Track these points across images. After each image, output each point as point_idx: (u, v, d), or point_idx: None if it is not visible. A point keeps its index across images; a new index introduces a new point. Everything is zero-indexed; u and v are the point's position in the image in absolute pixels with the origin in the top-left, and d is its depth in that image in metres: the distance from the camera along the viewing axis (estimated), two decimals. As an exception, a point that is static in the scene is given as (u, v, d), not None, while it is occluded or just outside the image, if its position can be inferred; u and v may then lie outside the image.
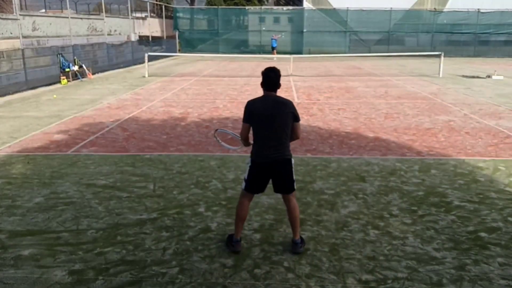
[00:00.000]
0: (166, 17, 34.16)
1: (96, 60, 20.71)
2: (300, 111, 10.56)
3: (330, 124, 9.32)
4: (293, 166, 3.94)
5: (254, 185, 3.96)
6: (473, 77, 18.43)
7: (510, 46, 32.49)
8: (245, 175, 3.98)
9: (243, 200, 4.01)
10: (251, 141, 3.97)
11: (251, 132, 3.93)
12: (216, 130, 4.72)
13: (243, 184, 3.99)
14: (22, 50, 14.92)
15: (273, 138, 3.82)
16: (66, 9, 20.92)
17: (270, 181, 3.98)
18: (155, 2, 33.60)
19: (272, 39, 28.85)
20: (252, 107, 3.89)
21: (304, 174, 6.08)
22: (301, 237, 4.04)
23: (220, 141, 4.60)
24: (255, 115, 3.84)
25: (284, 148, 3.87)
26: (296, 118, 3.88)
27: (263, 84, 3.91)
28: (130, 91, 14.23)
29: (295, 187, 4.00)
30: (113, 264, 3.77)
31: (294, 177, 3.97)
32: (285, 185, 3.95)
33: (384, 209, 4.91)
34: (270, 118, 3.78)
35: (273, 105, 3.81)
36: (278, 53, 28.32)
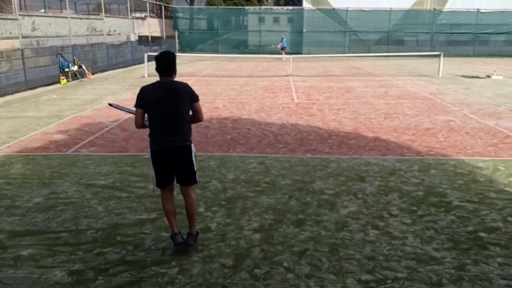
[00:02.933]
0: (165, 17, 34.17)
1: (96, 60, 20.70)
2: (299, 111, 10.71)
3: (330, 124, 9.32)
4: (193, 154, 3.82)
5: (161, 177, 3.85)
6: (473, 77, 18.44)
7: (509, 46, 32.52)
8: (152, 169, 3.90)
9: (163, 196, 3.97)
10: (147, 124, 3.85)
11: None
12: (110, 104, 4.70)
13: (154, 181, 3.93)
14: (22, 50, 14.91)
15: (170, 124, 3.69)
16: (66, 9, 20.94)
17: None
18: (155, 2, 33.59)
19: (282, 39, 28.60)
20: (144, 94, 3.75)
21: (304, 174, 6.08)
22: (196, 231, 4.03)
23: (119, 106, 4.64)
24: (149, 102, 3.70)
25: (182, 134, 3.75)
26: (193, 99, 3.77)
27: (157, 69, 3.76)
28: (129, 91, 14.23)
29: (197, 179, 3.90)
30: (113, 264, 3.77)
31: (196, 168, 3.84)
32: (184, 175, 3.83)
33: (384, 209, 4.91)
34: (165, 104, 3.66)
35: (166, 90, 3.68)
36: (277, 53, 28.32)
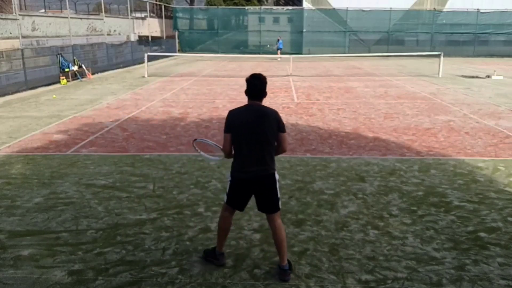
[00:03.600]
0: (165, 17, 34.17)
1: (96, 60, 20.70)
2: (299, 111, 10.70)
3: (330, 124, 9.32)
4: (277, 182, 3.58)
5: (235, 200, 3.66)
6: (473, 77, 18.44)
7: (509, 46, 32.54)
8: (227, 189, 3.67)
9: (224, 213, 3.73)
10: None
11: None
12: (195, 140, 4.21)
13: (225, 197, 3.71)
14: (22, 50, 14.91)
15: (256, 151, 3.46)
16: (66, 9, 20.94)
17: None
18: (155, 2, 33.59)
19: (278, 40, 28.79)
20: (233, 117, 3.53)
21: (304, 174, 6.08)
22: (289, 262, 3.64)
23: (200, 151, 4.09)
24: (236, 126, 3.48)
25: (268, 163, 3.51)
26: (280, 128, 3.51)
27: (247, 92, 3.60)
28: (129, 91, 14.23)
29: (280, 206, 3.63)
30: (113, 264, 3.77)
31: (279, 195, 3.61)
32: (268, 203, 3.59)
33: (384, 209, 4.91)
34: (252, 130, 3.44)
35: (256, 115, 3.46)
36: (274, 53, 28.39)
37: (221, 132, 9.08)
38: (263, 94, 3.61)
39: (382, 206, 5.00)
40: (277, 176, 3.59)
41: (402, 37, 33.43)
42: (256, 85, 3.57)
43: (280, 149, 3.60)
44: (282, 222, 3.70)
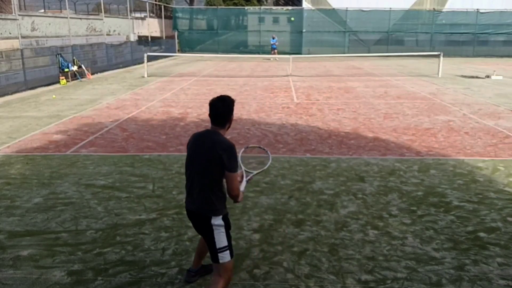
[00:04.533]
0: (165, 17, 34.15)
1: (95, 60, 20.69)
2: (299, 111, 10.71)
3: (329, 124, 9.32)
4: (215, 229, 2.97)
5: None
6: (472, 77, 18.44)
7: (509, 46, 32.53)
8: None
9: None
10: None
11: None
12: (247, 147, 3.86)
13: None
14: (21, 50, 14.91)
15: (194, 183, 3.04)
16: (65, 9, 20.92)
17: None
18: (154, 2, 33.58)
19: (273, 39, 28.75)
20: (190, 139, 3.16)
21: (304, 174, 6.08)
22: None
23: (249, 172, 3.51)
24: (188, 149, 3.13)
25: (204, 201, 2.98)
26: (225, 165, 2.90)
27: (209, 115, 3.11)
28: (129, 91, 14.23)
29: (220, 261, 2.97)
30: (112, 265, 3.77)
31: (222, 245, 2.97)
32: (208, 248, 3.07)
33: (384, 209, 4.91)
34: (194, 157, 3.04)
35: (203, 142, 3.02)
36: (278, 53, 28.34)
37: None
38: (225, 119, 3.06)
39: (381, 206, 5.00)
40: (217, 221, 2.97)
41: (402, 37, 33.42)
42: (218, 107, 3.04)
43: (229, 190, 3.00)
44: (220, 280, 3.00)
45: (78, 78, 17.33)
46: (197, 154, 3.02)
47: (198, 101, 11.96)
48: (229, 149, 2.94)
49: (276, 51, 27.94)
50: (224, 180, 3.00)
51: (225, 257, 2.98)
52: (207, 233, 3.01)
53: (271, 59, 27.04)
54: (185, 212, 4.51)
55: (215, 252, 2.98)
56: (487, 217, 4.71)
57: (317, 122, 9.52)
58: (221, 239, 2.98)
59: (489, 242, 4.17)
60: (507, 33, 32.38)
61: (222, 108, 3.05)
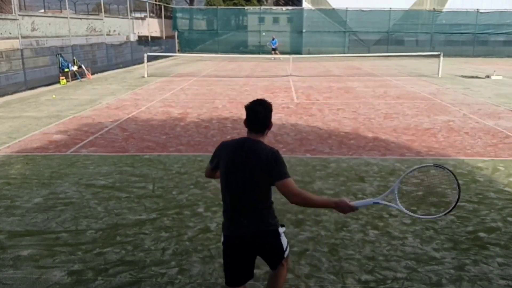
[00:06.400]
0: (165, 17, 34.16)
1: (95, 60, 20.70)
2: (299, 111, 10.71)
3: (329, 124, 9.32)
4: (281, 236, 2.75)
5: (234, 273, 2.73)
6: (472, 77, 18.44)
7: (509, 46, 32.56)
8: (223, 259, 2.81)
9: None
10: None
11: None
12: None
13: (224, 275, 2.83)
14: (21, 50, 14.91)
15: (241, 204, 2.66)
16: (65, 9, 20.93)
17: None
18: (154, 2, 33.58)
19: (272, 41, 28.79)
20: (221, 149, 2.80)
21: (304, 174, 6.08)
22: None
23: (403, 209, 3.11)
24: (222, 162, 2.74)
25: (260, 218, 2.67)
26: (273, 175, 2.60)
27: (245, 122, 2.82)
28: (129, 91, 14.23)
29: (285, 255, 2.82)
30: (112, 265, 3.77)
31: (285, 245, 2.78)
32: (272, 261, 2.83)
33: (383, 209, 4.91)
34: (234, 176, 2.65)
35: (245, 152, 2.66)
36: (271, 52, 28.41)
37: (221, 133, 9.12)
38: (266, 125, 2.77)
39: (381, 206, 5.00)
40: (282, 229, 2.77)
41: (402, 37, 33.44)
42: (258, 112, 2.73)
43: (289, 198, 2.64)
44: (284, 269, 2.92)
45: (78, 78, 17.33)
46: (238, 171, 2.64)
47: (198, 101, 11.96)
48: (277, 158, 2.65)
49: (277, 51, 28.01)
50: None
51: (288, 249, 2.84)
52: (273, 245, 2.73)
53: (272, 58, 27.09)
54: (185, 212, 4.49)
55: (282, 253, 2.77)
56: (487, 217, 4.71)
57: (317, 122, 9.52)
58: (284, 240, 2.79)
59: (489, 242, 4.17)
60: (507, 33, 32.41)
61: (263, 113, 2.73)
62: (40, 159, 6.89)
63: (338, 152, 7.26)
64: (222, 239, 2.76)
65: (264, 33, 28.83)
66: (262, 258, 2.82)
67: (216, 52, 32.15)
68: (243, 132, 9.05)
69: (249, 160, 2.63)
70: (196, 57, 29.72)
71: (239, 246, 2.69)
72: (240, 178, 2.64)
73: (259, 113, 2.73)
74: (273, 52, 28.13)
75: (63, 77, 16.36)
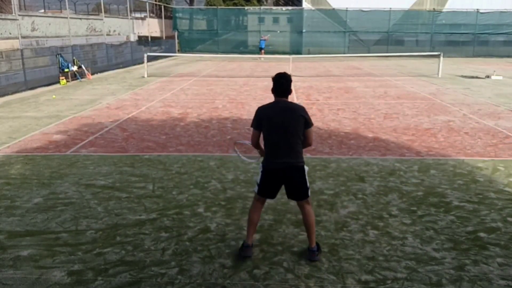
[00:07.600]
0: (165, 17, 34.16)
1: (95, 60, 20.69)
2: (299, 111, 10.67)
3: (329, 124, 9.32)
4: (306, 173, 3.82)
5: (265, 190, 3.88)
6: (472, 77, 18.45)
7: (509, 46, 32.56)
8: (258, 178, 3.89)
9: (255, 203, 3.95)
10: (262, 147, 3.94)
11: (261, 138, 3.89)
12: (236, 142, 4.73)
13: (256, 187, 3.91)
14: (21, 50, 14.91)
15: (284, 144, 3.73)
16: (65, 9, 20.94)
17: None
18: (154, 2, 33.59)
19: (261, 39, 28.87)
20: (262, 113, 3.82)
21: (304, 175, 6.08)
22: (317, 244, 3.92)
23: (240, 155, 4.49)
24: (265, 122, 3.77)
25: (296, 155, 3.77)
26: (307, 123, 3.78)
27: (273, 90, 3.88)
28: (129, 92, 14.23)
29: (309, 194, 3.87)
30: (112, 265, 3.77)
31: (308, 184, 3.85)
32: (297, 193, 3.85)
33: (384, 209, 4.91)
34: (280, 124, 3.72)
35: (284, 110, 3.75)
36: (277, 53, 28.43)
37: (221, 133, 9.09)
38: (289, 91, 3.88)
39: (381, 206, 5.00)
40: (306, 168, 3.82)
41: (402, 37, 33.45)
42: (283, 83, 3.82)
43: (306, 143, 3.85)
44: (310, 208, 3.92)
45: (78, 78, 17.33)
46: (283, 119, 3.71)
47: (198, 101, 11.96)
48: (305, 110, 3.81)
49: (263, 51, 28.07)
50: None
51: (309, 189, 3.87)
52: (299, 178, 3.78)
53: (261, 59, 27.13)
54: (185, 212, 4.51)
55: (306, 189, 3.81)
56: (487, 217, 4.71)
57: (317, 122, 9.51)
58: (307, 179, 3.83)
59: (489, 242, 4.17)
60: (507, 33, 32.41)
61: (286, 83, 3.83)
62: (40, 159, 6.88)
63: (338, 152, 7.26)
64: (261, 168, 3.87)
65: (269, 34, 28.81)
66: (289, 189, 3.84)
67: (216, 52, 32.15)
68: (243, 132, 9.10)
69: (287, 113, 3.74)
70: (196, 57, 29.72)
71: (276, 175, 3.80)
72: (281, 127, 3.71)
73: (283, 84, 3.83)
74: (261, 52, 28.18)
75: (63, 77, 16.36)
